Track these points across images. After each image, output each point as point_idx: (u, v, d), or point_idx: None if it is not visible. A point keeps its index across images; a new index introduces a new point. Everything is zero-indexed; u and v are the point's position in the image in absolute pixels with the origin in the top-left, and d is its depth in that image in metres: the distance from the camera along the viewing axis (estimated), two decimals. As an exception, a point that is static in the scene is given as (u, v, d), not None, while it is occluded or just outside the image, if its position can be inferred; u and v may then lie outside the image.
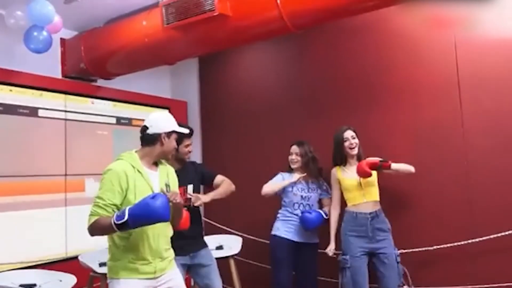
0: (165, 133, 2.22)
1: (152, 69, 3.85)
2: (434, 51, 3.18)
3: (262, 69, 4.14)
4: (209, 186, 2.94)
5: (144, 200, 1.98)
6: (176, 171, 2.58)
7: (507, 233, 2.82)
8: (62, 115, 3.50)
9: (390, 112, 3.32)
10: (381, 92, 3.36)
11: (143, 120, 4.11)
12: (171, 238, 2.38)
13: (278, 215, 3.30)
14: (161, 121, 2.25)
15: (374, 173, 2.96)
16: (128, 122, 4.04)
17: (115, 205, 2.06)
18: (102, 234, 2.08)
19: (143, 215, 1.96)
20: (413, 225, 3.14)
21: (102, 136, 3.81)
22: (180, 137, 2.62)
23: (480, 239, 2.90)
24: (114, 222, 1.96)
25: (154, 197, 1.99)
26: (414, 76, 3.25)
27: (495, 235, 2.85)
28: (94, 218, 2.03)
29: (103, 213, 2.03)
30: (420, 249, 3.08)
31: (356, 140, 3.03)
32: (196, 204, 2.66)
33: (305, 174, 3.20)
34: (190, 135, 2.77)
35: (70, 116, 3.55)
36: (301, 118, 3.78)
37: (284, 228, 3.21)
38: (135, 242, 2.11)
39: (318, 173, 3.26)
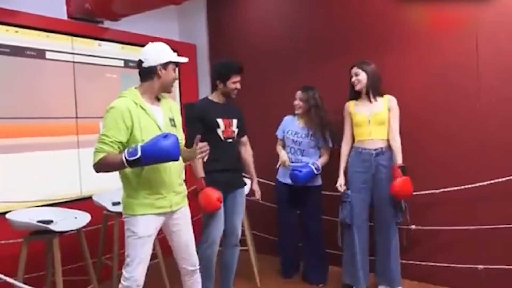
0: (160, 64, 2.17)
1: (159, 10, 3.76)
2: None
3: (272, 11, 4.01)
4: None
5: (157, 139, 2.00)
6: (222, 105, 2.80)
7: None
8: (69, 57, 3.47)
9: (405, 52, 3.25)
10: (397, 31, 3.27)
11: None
12: (216, 173, 2.59)
13: None
14: (155, 52, 2.19)
15: (385, 111, 2.96)
16: (136, 65, 3.98)
17: (120, 142, 2.09)
18: (109, 171, 2.12)
19: (155, 154, 1.99)
20: (420, 167, 3.14)
21: (111, 79, 3.79)
22: (228, 74, 2.75)
23: (489, 182, 2.91)
24: (126, 159, 1.98)
25: (166, 136, 2.02)
26: (429, 15, 3.13)
27: (506, 178, 2.85)
28: (100, 155, 2.05)
29: (109, 149, 2.06)
30: (426, 192, 3.11)
31: (360, 77, 3.00)
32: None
33: (285, 160, 3.29)
34: (239, 71, 2.80)
35: (77, 58, 3.53)
36: (314, 61, 3.71)
37: (282, 172, 3.39)
38: (148, 177, 2.15)
39: (319, 121, 3.25)
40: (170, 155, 2.02)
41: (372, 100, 3.00)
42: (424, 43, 3.17)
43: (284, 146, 3.45)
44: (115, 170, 2.14)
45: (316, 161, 3.27)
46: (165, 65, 2.18)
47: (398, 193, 2.86)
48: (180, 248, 2.35)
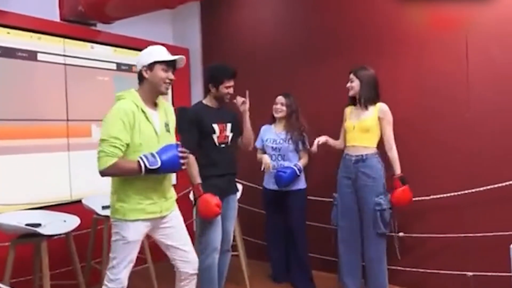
0: (145, 66, 2.19)
1: (153, 14, 3.78)
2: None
3: (266, 15, 4.04)
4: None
5: (172, 148, 2.12)
6: (216, 109, 2.78)
7: (506, 183, 2.85)
8: (61, 59, 3.47)
9: (397, 57, 3.27)
10: (390, 37, 3.31)
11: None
12: (214, 178, 2.60)
13: None
14: (143, 55, 2.23)
15: (372, 119, 2.98)
16: (129, 68, 3.98)
17: (127, 145, 2.11)
18: (117, 175, 2.15)
19: (171, 164, 2.10)
20: (411, 174, 3.14)
21: (103, 82, 3.79)
22: (220, 78, 2.73)
23: (477, 189, 2.94)
24: (146, 167, 2.05)
25: (177, 146, 2.15)
26: (422, 21, 3.17)
27: (495, 185, 2.89)
28: (113, 160, 2.05)
29: (120, 153, 2.08)
30: (416, 198, 3.10)
31: (354, 84, 3.02)
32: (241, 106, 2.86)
33: (268, 163, 3.31)
34: (232, 76, 2.80)
35: (69, 61, 3.52)
36: (308, 66, 3.73)
37: (266, 178, 3.46)
38: (144, 183, 2.17)
39: (298, 125, 3.35)
40: (179, 168, 2.15)
41: (363, 108, 3.01)
42: (415, 49, 3.20)
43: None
44: (124, 176, 2.15)
45: (297, 163, 3.34)
46: (150, 66, 2.19)
47: (398, 203, 2.93)
48: (179, 251, 2.34)
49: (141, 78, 2.23)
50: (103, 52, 3.80)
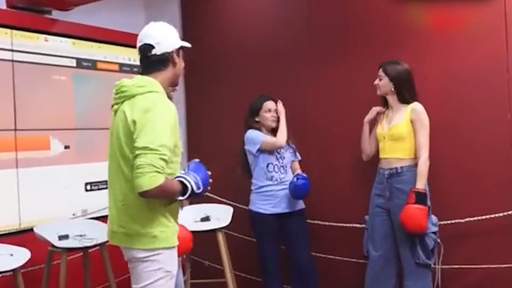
0: (176, 49, 2.12)
1: (121, -1, 3.73)
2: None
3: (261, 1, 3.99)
4: None
5: (203, 169, 2.07)
6: None
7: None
8: (8, 55, 3.38)
9: (421, 55, 3.23)
10: (410, 31, 3.30)
11: (110, 62, 4.08)
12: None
13: (252, 186, 3.40)
14: (169, 34, 2.13)
15: (404, 124, 2.93)
16: (92, 65, 3.91)
17: None
18: (157, 198, 1.97)
19: (204, 189, 2.04)
20: (442, 193, 3.08)
21: (60, 81, 3.70)
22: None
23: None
24: (193, 191, 1.96)
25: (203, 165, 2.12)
26: (449, 11, 3.15)
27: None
28: (162, 178, 1.85)
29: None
30: (447, 222, 3.04)
31: (381, 82, 3.01)
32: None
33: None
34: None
35: (18, 56, 3.43)
36: (309, 66, 3.70)
37: (258, 200, 3.36)
38: (176, 205, 2.10)
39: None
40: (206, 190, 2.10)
41: (395, 109, 2.99)
42: (444, 42, 3.16)
43: (247, 164, 3.41)
44: (163, 199, 2.01)
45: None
46: (178, 51, 2.14)
47: (404, 224, 2.79)
48: None
49: (164, 63, 2.09)
50: (60, 46, 3.71)
